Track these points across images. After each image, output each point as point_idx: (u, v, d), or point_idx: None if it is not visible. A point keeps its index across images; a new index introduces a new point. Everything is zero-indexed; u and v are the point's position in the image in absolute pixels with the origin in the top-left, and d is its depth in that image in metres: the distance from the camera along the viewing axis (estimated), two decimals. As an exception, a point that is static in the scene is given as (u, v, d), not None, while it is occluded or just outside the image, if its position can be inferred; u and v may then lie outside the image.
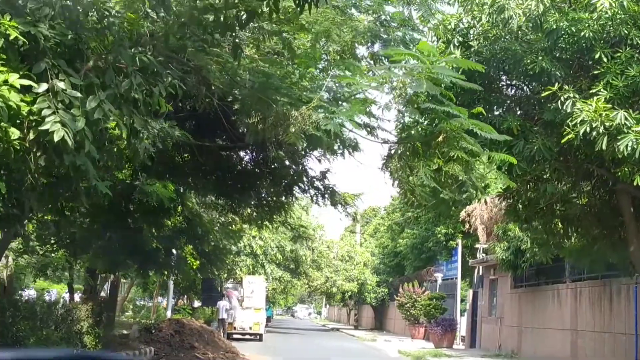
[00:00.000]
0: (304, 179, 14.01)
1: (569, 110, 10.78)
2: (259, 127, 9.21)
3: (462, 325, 32.34)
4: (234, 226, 19.17)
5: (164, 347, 19.64)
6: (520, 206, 14.64)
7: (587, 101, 10.59)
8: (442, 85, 9.27)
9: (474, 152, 9.53)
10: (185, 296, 43.31)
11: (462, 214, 30.69)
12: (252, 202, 15.76)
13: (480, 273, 31.89)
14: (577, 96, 10.85)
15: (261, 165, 14.24)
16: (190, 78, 9.54)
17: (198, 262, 21.04)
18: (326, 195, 14.21)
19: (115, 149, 8.33)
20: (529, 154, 11.60)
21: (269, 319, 45.60)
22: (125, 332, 22.06)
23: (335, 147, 12.82)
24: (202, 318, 31.50)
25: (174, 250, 19.15)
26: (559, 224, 14.40)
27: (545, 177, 13.08)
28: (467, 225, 30.10)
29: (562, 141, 10.89)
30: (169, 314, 25.82)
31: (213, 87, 9.82)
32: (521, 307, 25.47)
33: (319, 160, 12.79)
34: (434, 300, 32.19)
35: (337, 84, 9.76)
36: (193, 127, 14.07)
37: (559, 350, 21.65)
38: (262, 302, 32.36)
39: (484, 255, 38.40)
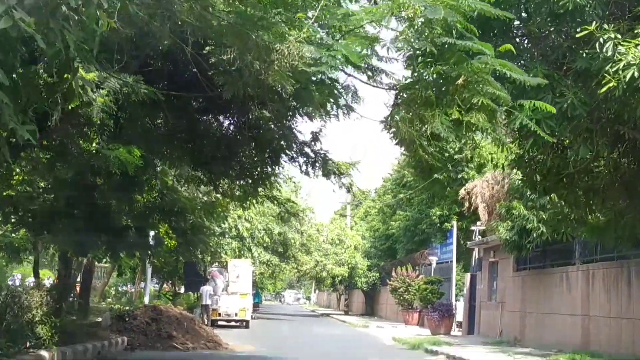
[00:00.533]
0: (292, 144, 12.13)
1: (609, 53, 8.94)
2: (237, 66, 7.33)
3: (459, 310, 30.63)
4: (215, 203, 17.25)
5: (139, 337, 17.79)
6: (538, 176, 12.79)
7: (633, 41, 8.76)
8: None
9: (501, 99, 7.68)
10: (170, 282, 41.47)
11: (462, 192, 28.94)
12: (234, 174, 13.86)
13: (479, 255, 30.16)
14: (619, 37, 9.01)
15: (243, 129, 12.33)
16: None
17: (174, 242, 19.10)
18: (317, 164, 12.32)
19: (37, 77, 6.41)
20: (559, 110, 9.74)
21: (257, 304, 43.76)
22: (100, 320, 20.20)
23: (329, 107, 10.97)
24: (185, 304, 29.69)
25: (150, 231, 17.26)
26: (582, 196, 12.56)
27: (568, 141, 11.22)
28: (466, 204, 28.27)
29: (601, 91, 9.02)
30: (146, 300, 23.96)
31: (180, 22, 7.91)
32: (524, 291, 23.76)
33: (310, 118, 10.87)
34: (431, 284, 30.41)
35: (329, 18, 7.84)
36: (165, 87, 12.15)
37: (568, 337, 19.95)
38: (249, 287, 30.55)
39: (480, 237, 36.77)
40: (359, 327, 37.31)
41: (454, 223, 37.87)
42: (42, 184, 15.90)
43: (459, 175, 37.90)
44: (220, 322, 30.36)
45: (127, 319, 18.22)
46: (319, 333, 30.38)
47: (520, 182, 21.61)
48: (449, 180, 38.40)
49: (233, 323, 30.76)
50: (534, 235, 20.70)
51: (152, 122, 13.77)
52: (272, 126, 11.57)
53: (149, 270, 24.83)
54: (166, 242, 20.21)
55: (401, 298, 37.07)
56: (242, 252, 34.73)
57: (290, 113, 11.11)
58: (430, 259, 37.16)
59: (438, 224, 38.75)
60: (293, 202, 14.60)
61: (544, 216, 20.65)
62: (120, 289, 43.43)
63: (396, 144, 10.55)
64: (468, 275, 30.37)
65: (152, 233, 21.17)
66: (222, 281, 29.64)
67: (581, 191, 12.49)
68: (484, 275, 28.12)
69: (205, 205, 16.91)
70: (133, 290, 41.90)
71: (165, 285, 42.90)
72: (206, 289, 28.94)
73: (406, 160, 45.62)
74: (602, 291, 18.41)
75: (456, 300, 32.55)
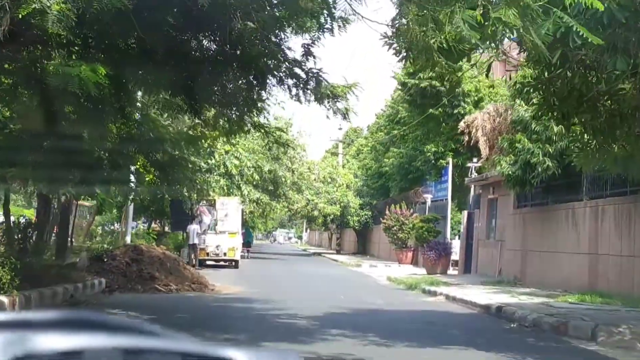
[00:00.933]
0: (280, 63, 10.61)
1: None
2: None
3: (456, 249, 29.55)
4: (198, 135, 15.73)
5: (118, 278, 16.53)
6: (555, 99, 11.36)
7: None
8: None
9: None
10: (159, 221, 40.24)
11: (461, 124, 27.55)
12: (217, 101, 12.37)
13: (477, 193, 28.96)
14: None
15: (225, 47, 10.80)
16: None
17: (151, 176, 17.65)
18: (309, 86, 10.82)
19: None
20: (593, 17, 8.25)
21: (249, 244, 42.64)
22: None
23: (322, 19, 9.48)
24: (172, 244, 28.47)
25: (129, 165, 15.81)
26: (606, 122, 11.15)
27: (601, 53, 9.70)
28: (466, 138, 26.88)
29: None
30: (128, 239, 22.67)
31: None
32: (526, 229, 22.59)
33: (301, 31, 9.35)
34: (427, 222, 29.21)
35: None
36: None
37: (574, 277, 18.84)
38: (238, 226, 29.29)
39: (476, 174, 35.54)
40: (352, 266, 36.32)
41: (450, 160, 36.60)
42: (6, 113, 14.38)
43: (455, 111, 36.47)
44: (208, 262, 29.24)
45: (105, 260, 16.95)
46: (310, 272, 29.31)
47: (530, 109, 20.27)
48: (444, 116, 37.00)
49: (222, 263, 29.65)
50: (539, 169, 19.39)
51: (125, 42, 12.20)
52: (257, 41, 10.03)
53: (131, 208, 23.48)
54: (144, 175, 18.76)
55: (395, 237, 36.02)
56: (231, 190, 33.40)
57: (278, 24, 9.57)
58: (425, 196, 35.97)
59: (433, 161, 37.48)
60: (282, 130, 13.13)
61: (549, 149, 19.36)
62: (107, 228, 42.20)
63: (401, 58, 9.12)
64: (465, 213, 29.20)
65: (132, 168, 19.81)
66: (209, 219, 28.38)
67: (605, 116, 11.10)
68: (482, 213, 26.95)
69: (188, 137, 15.38)
70: (121, 229, 40.72)
71: (154, 225, 41.70)
72: (193, 227, 27.69)
73: (400, 95, 44.11)
74: (613, 228, 17.20)
75: (451, 239, 31.48)
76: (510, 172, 20.36)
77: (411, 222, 35.56)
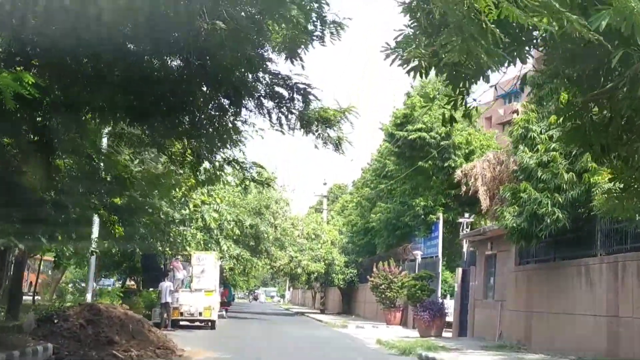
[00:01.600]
0: (258, 75, 8.49)
1: None
2: None
3: (449, 310, 27.17)
4: (162, 174, 13.50)
5: (70, 343, 14.01)
6: (589, 128, 9.23)
7: None
8: None
9: None
10: (134, 278, 37.63)
11: (458, 173, 25.46)
12: (182, 129, 10.19)
13: (472, 249, 26.73)
14: None
15: (190, 59, 8.68)
16: None
17: (119, 228, 15.25)
18: (295, 107, 8.68)
19: None
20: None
21: (229, 303, 39.93)
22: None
23: (311, 26, 7.44)
24: (142, 303, 25.90)
25: (82, 210, 13.46)
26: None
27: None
28: (463, 188, 24.76)
29: None
30: (88, 297, 20.10)
31: None
32: (530, 288, 20.33)
33: (285, 22, 7.25)
34: (420, 280, 26.84)
35: None
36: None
37: (589, 342, 16.52)
38: (215, 283, 26.80)
39: (467, 229, 33.45)
40: (338, 327, 33.73)
41: (440, 215, 34.54)
42: None
43: (445, 164, 34.56)
44: (182, 323, 26.66)
45: (55, 321, 14.45)
46: (293, 334, 26.76)
47: (535, 155, 18.25)
48: (434, 169, 35.04)
49: (198, 323, 27.05)
50: (548, 221, 17.25)
51: (75, 59, 10.06)
52: (228, 46, 7.90)
53: (93, 263, 20.97)
54: (110, 227, 16.44)
55: (382, 296, 33.61)
56: (209, 245, 30.98)
57: (255, 24, 7.48)
58: (414, 253, 33.72)
59: (422, 216, 35.35)
60: (261, 166, 10.96)
61: (559, 199, 17.26)
62: (79, 285, 39.43)
63: (410, 69, 7.00)
64: (459, 271, 26.90)
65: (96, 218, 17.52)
66: (183, 275, 25.92)
67: (655, 149, 8.98)
68: (479, 271, 24.68)
69: (151, 176, 13.10)
70: (105, 286, 38.03)
71: (130, 282, 39.05)
72: (166, 285, 25.20)
73: (387, 147, 42.18)
74: (637, 286, 14.99)
75: (442, 298, 29.12)
76: (514, 225, 18.17)
77: (400, 280, 33.23)
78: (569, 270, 18.13)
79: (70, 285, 37.36)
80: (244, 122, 9.89)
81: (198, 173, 11.38)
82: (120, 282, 40.11)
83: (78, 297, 26.48)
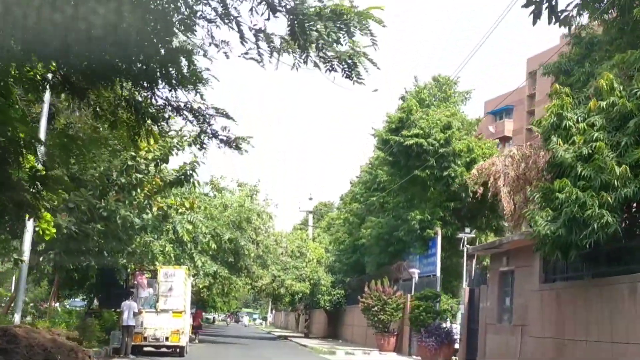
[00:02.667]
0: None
1: None
2: None
3: (455, 335, 23.39)
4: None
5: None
6: None
7: None
8: None
9: None
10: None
11: (473, 172, 21.62)
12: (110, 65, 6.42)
13: (478, 264, 23.02)
14: None
15: None
16: None
17: (51, 229, 11.38)
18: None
19: None
20: None
21: (199, 326, 35.90)
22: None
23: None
24: (97, 326, 21.85)
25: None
26: None
27: None
28: (479, 191, 21.02)
29: None
30: (17, 318, 16.07)
31: None
32: (561, 310, 16.60)
33: None
34: (425, 300, 22.95)
35: None
36: None
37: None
38: (185, 304, 22.83)
39: (468, 246, 29.87)
40: (325, 353, 29.81)
41: (438, 230, 30.83)
42: None
43: (445, 173, 30.92)
44: (147, 349, 22.69)
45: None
46: (275, 363, 22.91)
47: (572, 148, 14.62)
48: (432, 179, 31.40)
49: (165, 350, 23.07)
50: (595, 226, 13.56)
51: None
52: None
53: (24, 276, 16.89)
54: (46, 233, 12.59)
55: (375, 319, 29.76)
56: (181, 261, 27.07)
57: None
58: (411, 271, 29.98)
59: (418, 231, 31.56)
60: (226, 114, 7.20)
61: (609, 198, 13.60)
62: (39, 305, 35.17)
63: None
64: (466, 291, 23.14)
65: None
66: (148, 293, 22.04)
67: None
68: (492, 290, 20.95)
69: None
70: (76, 306, 33.90)
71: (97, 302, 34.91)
72: (128, 304, 21.30)
73: (380, 157, 38.52)
74: None
75: (442, 321, 25.31)
76: (548, 232, 14.46)
77: (395, 301, 29.44)
78: (618, 288, 14.43)
79: (30, 305, 33.18)
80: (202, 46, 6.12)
81: (139, 136, 7.61)
82: (86, 302, 36.01)
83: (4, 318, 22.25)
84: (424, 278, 30.78)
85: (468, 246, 31.30)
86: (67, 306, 34.41)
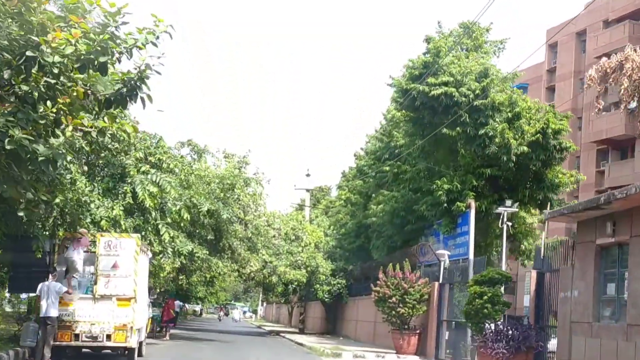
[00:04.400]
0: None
1: None
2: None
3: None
4: None
5: None
6: None
7: None
8: None
9: None
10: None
11: (590, 73, 14.47)
12: None
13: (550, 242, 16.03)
14: None
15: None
16: None
17: None
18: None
19: None
20: None
21: (174, 319, 28.70)
22: None
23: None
24: None
25: None
26: None
27: None
28: (598, 105, 13.80)
29: None
30: None
31: None
32: None
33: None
34: (490, 285, 15.61)
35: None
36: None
37: None
38: (136, 287, 15.55)
39: (509, 222, 23.10)
40: (328, 355, 22.79)
41: (471, 202, 23.86)
42: None
43: (480, 131, 23.97)
44: (84, 349, 15.59)
45: None
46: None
47: None
48: (463, 139, 24.48)
49: (109, 351, 15.98)
50: None
51: None
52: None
53: None
54: None
55: (392, 313, 22.74)
56: (143, 233, 19.94)
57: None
58: (440, 253, 22.92)
59: (445, 204, 24.57)
60: None
61: None
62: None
63: None
64: (532, 276, 16.02)
65: None
66: (81, 258, 14.98)
67: None
68: (582, 273, 13.91)
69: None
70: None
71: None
72: (47, 286, 14.23)
73: (395, 118, 31.47)
74: None
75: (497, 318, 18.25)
76: None
77: (418, 290, 22.49)
78: None
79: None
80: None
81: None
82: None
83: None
84: (451, 263, 23.79)
85: (508, 223, 24.43)
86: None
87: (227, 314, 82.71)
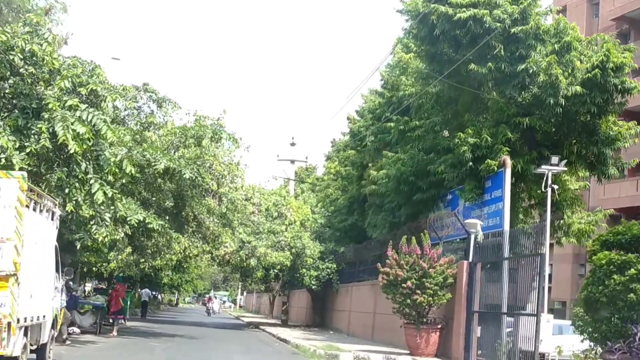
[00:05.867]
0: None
1: None
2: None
3: None
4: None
5: None
6: None
7: None
8: None
9: None
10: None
11: None
12: None
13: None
14: None
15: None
16: None
17: None
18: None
19: None
20: None
21: (122, 311, 22.37)
22: None
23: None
24: None
25: None
26: None
27: None
28: None
29: None
30: None
31: None
32: None
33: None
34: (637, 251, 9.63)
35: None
36: None
37: None
38: (23, 259, 9.60)
39: (554, 186, 17.44)
40: (321, 358, 16.84)
41: (506, 159, 18.05)
42: None
43: (518, 67, 18.08)
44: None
45: None
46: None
47: None
48: (496, 78, 18.70)
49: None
50: None
51: None
52: None
53: None
54: None
55: (407, 301, 16.83)
56: (68, 193, 13.90)
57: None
58: (471, 222, 16.98)
59: (470, 163, 18.71)
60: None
61: None
62: None
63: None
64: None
65: None
66: None
67: None
68: None
69: None
70: None
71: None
72: None
73: (401, 63, 25.51)
74: None
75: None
76: None
77: (439, 271, 16.66)
78: None
79: None
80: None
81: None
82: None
83: None
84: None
85: (554, 186, 18.66)
86: None
87: (204, 304, 73.02)
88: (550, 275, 30.01)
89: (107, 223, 15.46)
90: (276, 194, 32.99)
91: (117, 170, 15.32)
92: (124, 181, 16.13)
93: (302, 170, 53.50)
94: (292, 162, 37.33)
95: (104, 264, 29.57)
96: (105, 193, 14.84)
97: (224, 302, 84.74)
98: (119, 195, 16.07)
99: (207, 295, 69.92)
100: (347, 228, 30.52)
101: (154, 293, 61.58)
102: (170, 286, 57.39)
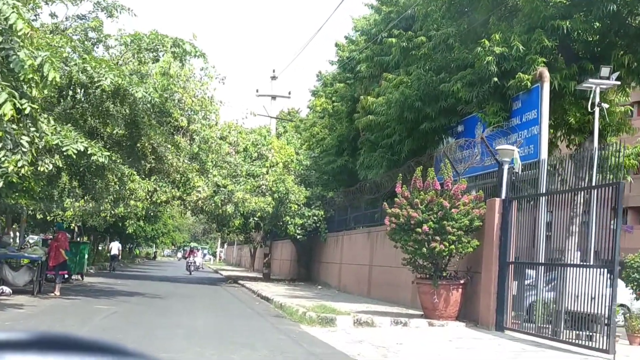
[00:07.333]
0: None
1: None
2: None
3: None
4: None
5: None
6: None
7: None
8: None
9: None
10: None
11: None
12: None
13: None
14: None
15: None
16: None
17: None
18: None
19: None
20: None
21: (64, 265, 18.10)
22: None
23: None
24: None
25: None
26: None
27: None
28: None
29: None
30: None
31: None
32: None
33: None
34: None
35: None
36: None
37: None
38: None
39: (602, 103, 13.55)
40: (313, 323, 12.86)
41: (543, 72, 14.06)
42: None
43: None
44: None
45: None
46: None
47: None
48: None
49: None
50: None
51: None
52: None
53: None
54: None
55: (422, 251, 12.92)
56: None
57: None
58: (504, 149, 13.01)
59: (495, 79, 14.68)
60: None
61: None
62: None
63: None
64: None
65: None
66: None
67: None
68: None
69: None
70: None
71: None
72: None
73: None
74: None
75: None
76: None
77: (464, 211, 12.76)
78: None
79: None
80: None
81: None
82: None
83: None
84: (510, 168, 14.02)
85: (604, 105, 14.70)
86: None
87: (184, 257, 66.20)
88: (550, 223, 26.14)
89: (24, 149, 11.30)
90: (256, 133, 28.87)
91: (36, 77, 11.18)
92: (46, 92, 11.90)
93: (284, 115, 49.19)
94: (274, 97, 33.01)
95: (59, 213, 25.55)
96: (17, 107, 10.73)
97: (205, 255, 79.95)
98: (39, 110, 11.85)
99: (188, 247, 62.75)
100: (335, 171, 26.60)
101: (130, 246, 57.52)
102: (145, 238, 53.32)
